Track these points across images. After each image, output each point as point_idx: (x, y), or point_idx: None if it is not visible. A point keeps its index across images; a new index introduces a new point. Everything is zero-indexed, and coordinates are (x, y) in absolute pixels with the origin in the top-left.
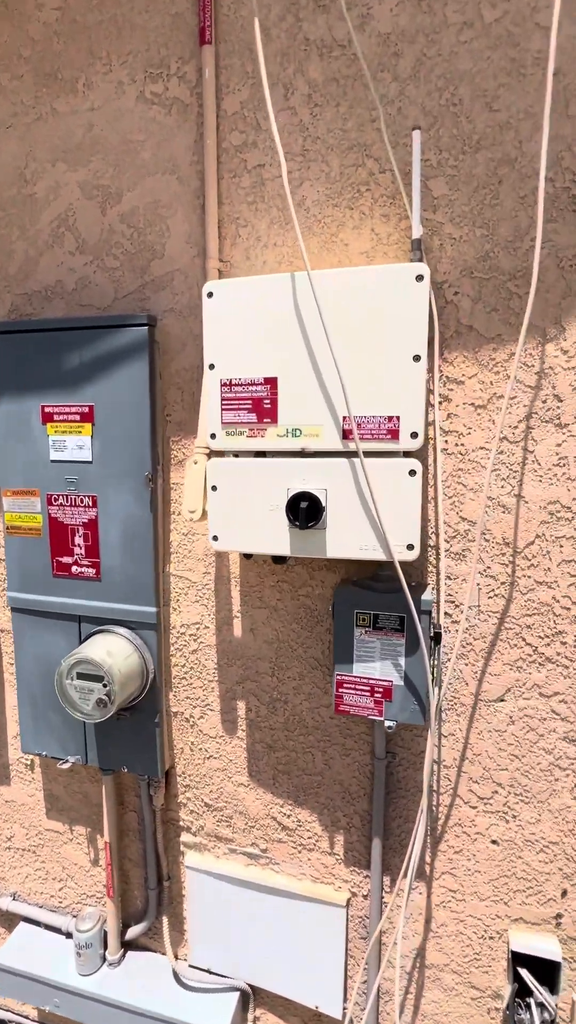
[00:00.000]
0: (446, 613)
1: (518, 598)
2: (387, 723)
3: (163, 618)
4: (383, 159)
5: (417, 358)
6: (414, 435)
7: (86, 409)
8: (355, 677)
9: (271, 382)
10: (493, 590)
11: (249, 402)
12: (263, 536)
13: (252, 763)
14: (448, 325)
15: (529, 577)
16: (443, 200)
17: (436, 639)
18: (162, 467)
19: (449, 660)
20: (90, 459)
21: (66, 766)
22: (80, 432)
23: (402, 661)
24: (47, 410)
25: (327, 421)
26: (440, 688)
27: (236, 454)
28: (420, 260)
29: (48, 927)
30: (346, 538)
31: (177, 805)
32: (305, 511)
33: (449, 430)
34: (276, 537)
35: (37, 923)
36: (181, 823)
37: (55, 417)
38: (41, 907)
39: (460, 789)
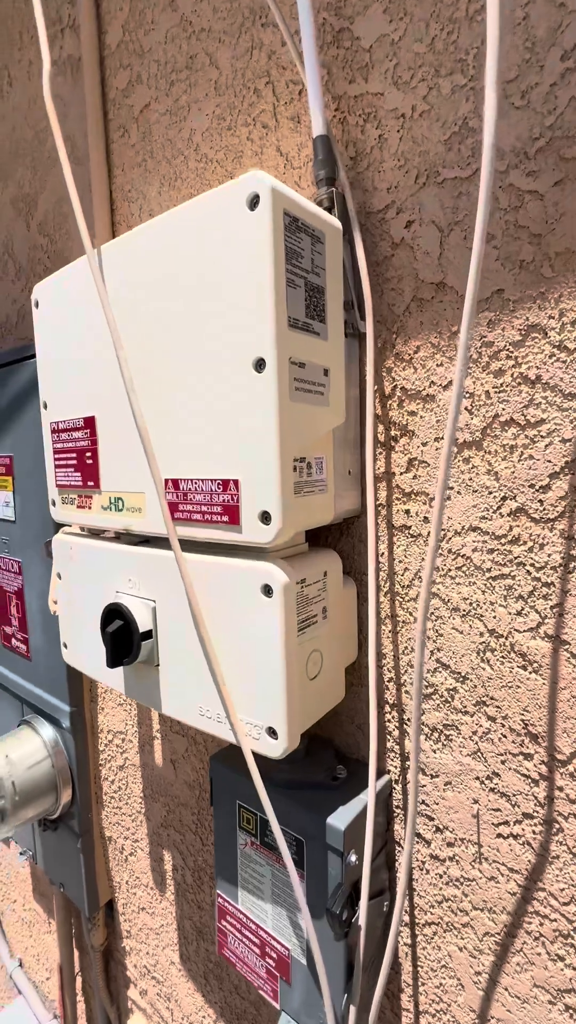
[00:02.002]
0: (420, 836)
1: (564, 859)
2: (284, 1018)
3: (90, 718)
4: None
5: (260, 365)
6: (265, 518)
7: (7, 460)
8: (240, 912)
9: (90, 424)
10: (506, 821)
11: (74, 455)
12: (100, 658)
13: (183, 944)
14: (401, 290)
15: None
16: (380, 48)
17: (338, 919)
18: None
19: (411, 940)
20: (13, 518)
21: (23, 859)
22: (4, 487)
23: (302, 921)
24: None
25: (149, 487)
26: (365, 1012)
27: (92, 531)
28: (331, 178)
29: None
30: (183, 690)
31: (123, 950)
32: (112, 638)
33: (412, 491)
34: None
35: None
36: (129, 972)
37: None
38: (37, 988)
39: None
